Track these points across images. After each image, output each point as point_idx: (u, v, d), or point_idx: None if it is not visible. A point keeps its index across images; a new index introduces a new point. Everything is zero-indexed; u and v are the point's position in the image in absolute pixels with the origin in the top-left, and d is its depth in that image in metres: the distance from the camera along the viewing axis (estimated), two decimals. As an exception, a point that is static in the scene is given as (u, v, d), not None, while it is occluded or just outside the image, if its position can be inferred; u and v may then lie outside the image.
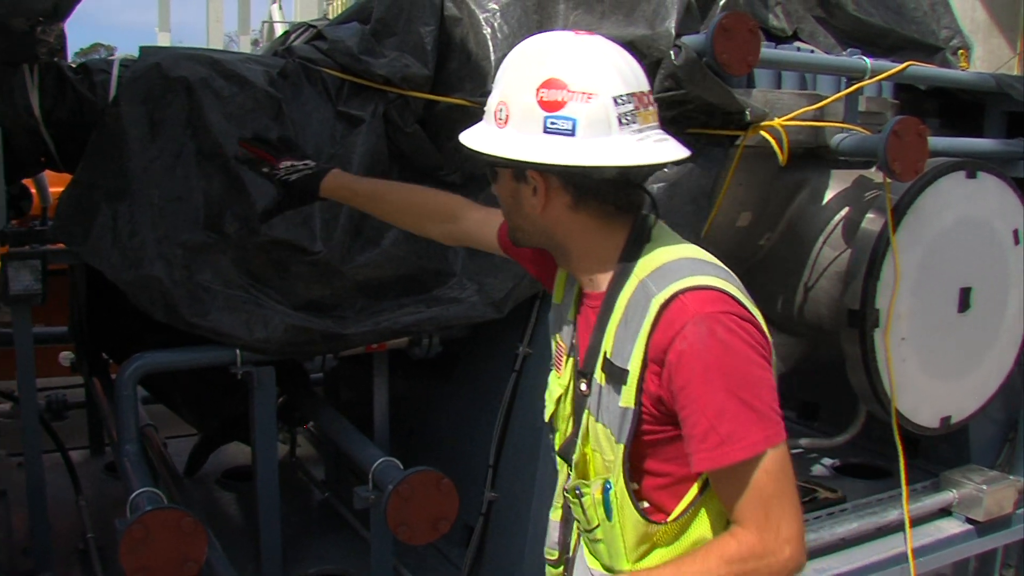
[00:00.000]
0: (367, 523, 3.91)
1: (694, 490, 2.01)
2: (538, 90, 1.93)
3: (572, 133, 1.91)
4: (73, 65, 3.54)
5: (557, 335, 2.29)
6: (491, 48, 3.61)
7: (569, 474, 2.23)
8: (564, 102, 1.91)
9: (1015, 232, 4.11)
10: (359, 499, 3.35)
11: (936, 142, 3.75)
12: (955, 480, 4.32)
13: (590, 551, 2.27)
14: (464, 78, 3.63)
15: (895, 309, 3.78)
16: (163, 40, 23.11)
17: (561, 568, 2.44)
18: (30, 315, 3.36)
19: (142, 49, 3.48)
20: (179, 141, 3.31)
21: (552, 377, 2.30)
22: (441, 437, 3.99)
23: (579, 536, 2.35)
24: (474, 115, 3.48)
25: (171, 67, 3.34)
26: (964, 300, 4.00)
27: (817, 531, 3.89)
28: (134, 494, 3.00)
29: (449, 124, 3.65)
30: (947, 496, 4.28)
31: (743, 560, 1.85)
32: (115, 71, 3.47)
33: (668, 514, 2.03)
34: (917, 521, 4.07)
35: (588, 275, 2.12)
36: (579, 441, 2.14)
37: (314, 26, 4.78)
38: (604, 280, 2.07)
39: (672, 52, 3.36)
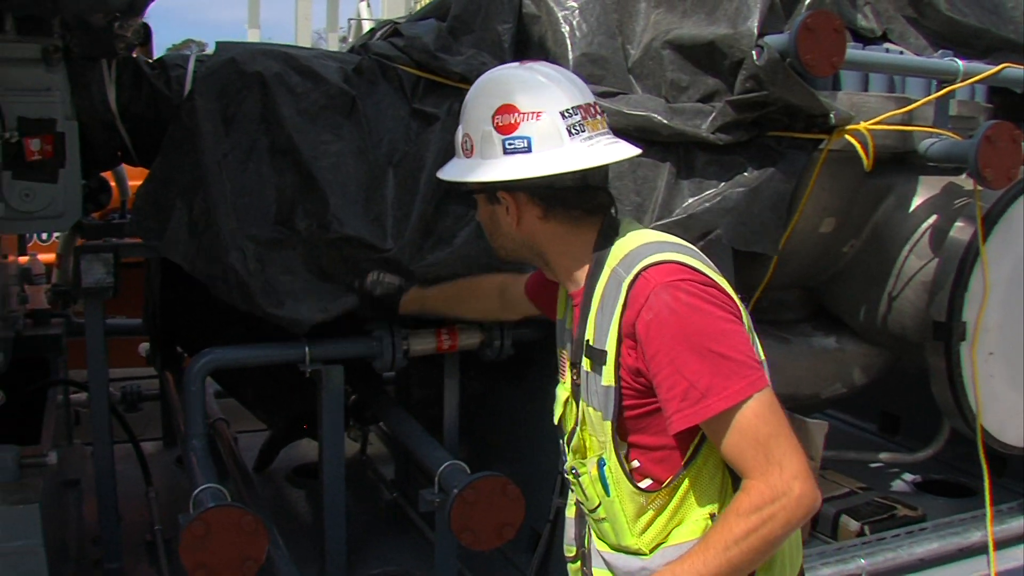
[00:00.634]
0: (434, 525, 3.89)
1: (685, 456, 2.10)
2: (493, 117, 2.15)
3: (528, 150, 2.12)
4: (150, 60, 3.55)
5: (561, 348, 2.46)
6: (569, 46, 3.55)
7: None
8: (517, 123, 2.13)
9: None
10: (424, 502, 3.31)
11: (1031, 148, 3.59)
12: (1043, 501, 4.15)
13: (598, 535, 2.37)
14: None
15: (983, 322, 3.66)
16: (253, 36, 23.39)
17: (579, 563, 2.52)
18: (101, 308, 3.38)
19: (218, 44, 3.48)
20: (252, 136, 3.30)
21: (559, 387, 2.45)
22: (511, 441, 3.93)
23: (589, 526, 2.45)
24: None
25: (246, 62, 3.33)
26: (1057, 314, 3.83)
27: (895, 550, 3.77)
28: (197, 490, 3.00)
29: None
30: (1034, 518, 4.10)
31: (758, 509, 1.90)
32: (191, 66, 3.48)
33: (657, 480, 2.14)
34: (1001, 544, 3.90)
35: (568, 275, 2.28)
36: (578, 428, 2.30)
37: (396, 23, 4.79)
38: (582, 277, 2.21)
39: (754, 52, 3.27)
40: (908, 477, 4.65)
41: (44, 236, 5.51)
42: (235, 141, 3.29)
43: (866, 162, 3.51)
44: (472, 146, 2.21)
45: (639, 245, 2.11)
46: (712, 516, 2.11)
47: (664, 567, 2.05)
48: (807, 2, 3.53)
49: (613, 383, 2.09)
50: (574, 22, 3.60)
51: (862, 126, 3.55)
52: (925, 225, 3.87)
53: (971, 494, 4.39)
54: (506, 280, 3.07)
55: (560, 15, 3.61)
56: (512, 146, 2.13)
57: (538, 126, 2.12)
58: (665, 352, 1.95)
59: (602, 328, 2.10)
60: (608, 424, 2.13)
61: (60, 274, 4.82)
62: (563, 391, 2.41)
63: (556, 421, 2.46)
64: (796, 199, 3.60)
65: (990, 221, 3.62)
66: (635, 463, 2.17)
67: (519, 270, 2.99)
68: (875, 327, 4.06)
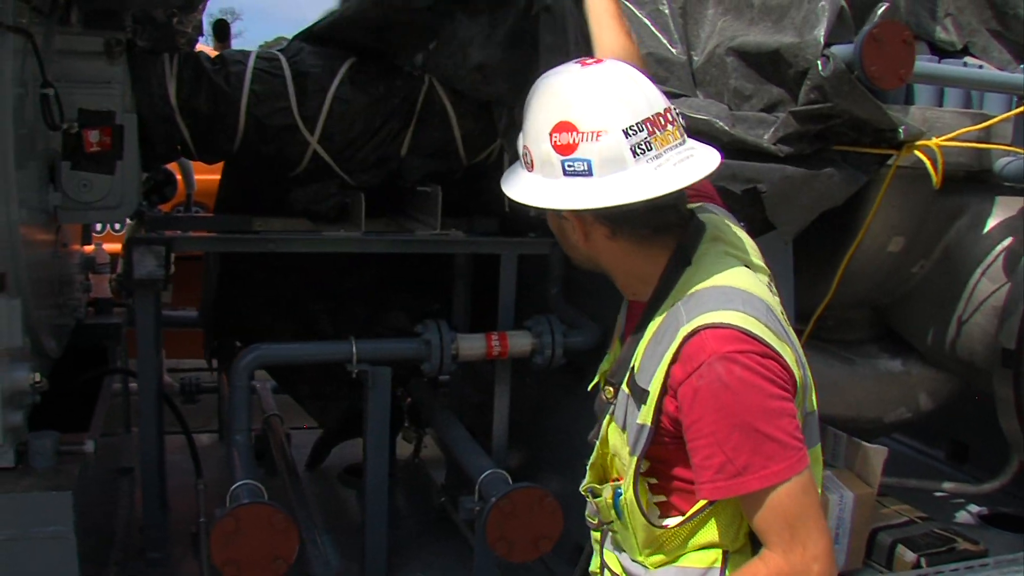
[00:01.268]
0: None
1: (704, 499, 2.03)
2: (551, 135, 1.96)
3: (589, 173, 1.93)
4: (212, 56, 3.58)
5: (616, 337, 2.37)
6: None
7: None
8: (576, 144, 1.94)
9: None
10: (464, 509, 3.29)
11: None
12: (1115, 541, 3.97)
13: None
14: None
15: (1055, 351, 3.50)
16: (346, 36, 23.66)
17: (599, 533, 2.44)
18: (152, 299, 3.40)
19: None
20: None
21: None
22: (563, 451, 3.86)
23: None
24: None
25: None
26: None
27: (953, 584, 3.63)
28: (235, 485, 3.00)
29: None
30: (1105, 559, 3.91)
31: None
32: (250, 62, 3.49)
33: (684, 515, 2.07)
34: (1068, 583, 3.74)
35: (632, 291, 2.16)
36: (598, 443, 2.21)
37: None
38: (647, 294, 2.08)
39: (819, 62, 3.17)
40: (973, 509, 4.47)
41: (116, 226, 5.59)
42: None
43: (935, 179, 3.39)
44: (532, 161, 2.03)
45: (707, 287, 1.96)
46: (725, 554, 2.06)
47: None
48: (880, 12, 3.41)
49: (649, 423, 1.99)
50: (642, 23, 3.53)
51: (933, 142, 3.42)
52: (999, 248, 3.74)
53: (1041, 530, 4.23)
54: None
55: (627, 14, 3.55)
56: (572, 168, 1.94)
57: (599, 148, 1.92)
58: (708, 422, 1.88)
59: (649, 365, 1.99)
60: (633, 459, 2.05)
61: (124, 264, 4.88)
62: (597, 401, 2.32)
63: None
64: (861, 216, 3.49)
65: (1068, 246, 3.47)
66: (660, 497, 2.10)
67: None
68: (943, 351, 3.93)
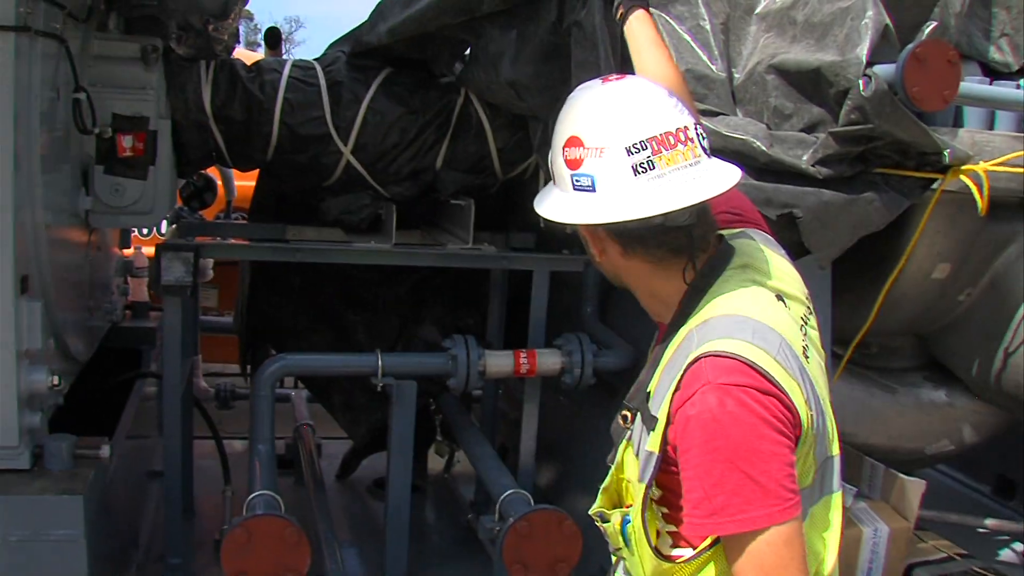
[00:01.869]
0: (499, 552, 3.80)
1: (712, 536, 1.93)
2: (564, 149, 1.98)
3: (592, 189, 1.93)
4: (248, 65, 3.58)
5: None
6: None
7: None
8: (582, 159, 1.94)
9: None
10: (483, 529, 3.25)
11: None
12: None
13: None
14: None
15: (1105, 388, 3.37)
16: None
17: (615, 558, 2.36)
18: (180, 305, 3.40)
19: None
20: None
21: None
22: (592, 472, 3.80)
23: None
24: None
25: None
26: None
27: (990, 625, 3.50)
28: (252, 495, 2.98)
29: None
30: None
31: None
32: (286, 71, 3.49)
33: (695, 548, 1.96)
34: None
35: (655, 314, 2.11)
36: (613, 468, 2.14)
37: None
38: (669, 317, 2.03)
39: (860, 82, 3.08)
40: (1018, 548, 4.32)
41: (144, 231, 5.63)
42: None
43: (980, 205, 3.27)
44: (553, 175, 2.05)
45: (721, 314, 1.91)
46: None
47: None
48: (927, 31, 3.31)
49: (657, 451, 1.92)
50: (682, 39, 3.46)
51: (980, 166, 3.31)
52: (1050, 278, 3.60)
53: (1089, 573, 4.07)
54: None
55: (666, 32, 3.48)
56: (579, 183, 1.95)
57: (601, 164, 1.92)
58: (695, 453, 1.81)
59: (661, 391, 1.93)
60: (642, 487, 1.97)
61: (153, 269, 4.90)
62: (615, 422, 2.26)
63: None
64: (905, 241, 3.38)
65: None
66: (671, 527, 2.02)
67: None
68: (989, 383, 3.79)
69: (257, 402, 3.32)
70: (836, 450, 1.99)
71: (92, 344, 3.66)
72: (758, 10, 3.52)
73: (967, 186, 3.29)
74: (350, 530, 4.03)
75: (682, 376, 1.85)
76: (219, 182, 4.58)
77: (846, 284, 3.37)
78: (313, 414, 4.70)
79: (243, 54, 4.60)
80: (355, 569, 3.57)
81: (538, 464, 3.88)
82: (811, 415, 1.88)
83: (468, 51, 3.60)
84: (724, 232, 2.09)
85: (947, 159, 3.26)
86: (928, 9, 3.32)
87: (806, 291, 2.09)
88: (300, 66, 3.57)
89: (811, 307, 2.07)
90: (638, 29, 2.65)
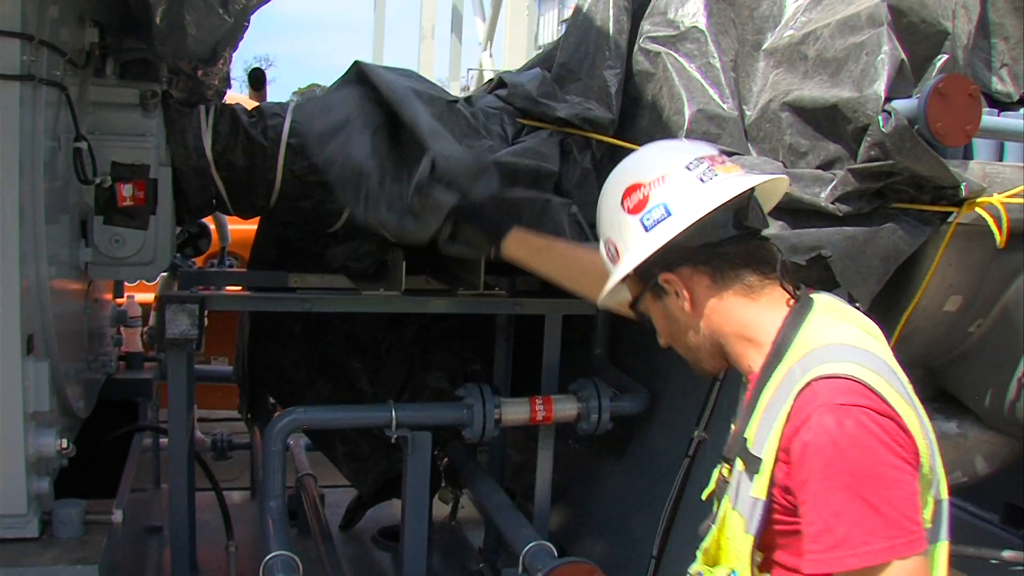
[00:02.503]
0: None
1: None
2: (623, 204, 2.06)
3: (668, 213, 1.99)
4: (248, 109, 3.49)
5: (733, 420, 2.23)
6: (686, 102, 3.37)
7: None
8: (646, 196, 2.02)
9: None
10: (505, 583, 3.15)
11: None
12: None
13: None
14: (655, 135, 3.41)
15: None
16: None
17: None
18: (184, 358, 3.30)
19: None
20: None
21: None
22: (607, 517, 3.73)
23: None
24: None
25: None
26: None
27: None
28: (269, 556, 2.88)
29: None
30: None
31: None
32: (288, 115, 3.40)
33: None
34: None
35: (747, 361, 2.05)
36: (715, 527, 2.08)
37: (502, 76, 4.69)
38: (760, 363, 2.00)
39: (880, 118, 3.05)
40: (1033, 578, 4.29)
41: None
42: None
43: (998, 238, 3.25)
44: (616, 249, 2.10)
45: (822, 345, 1.87)
46: None
47: None
48: (938, 65, 3.29)
49: (763, 496, 1.87)
50: (692, 77, 3.42)
51: (995, 199, 3.29)
52: (1061, 308, 3.58)
53: (1105, 603, 4.04)
54: None
55: (675, 71, 3.44)
56: (651, 219, 2.01)
57: (668, 188, 2.01)
58: (814, 483, 1.74)
59: (763, 433, 1.89)
60: (749, 538, 1.91)
61: (157, 321, 4.79)
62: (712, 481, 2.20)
63: (704, 498, 2.25)
64: (919, 274, 3.35)
65: None
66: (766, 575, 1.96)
67: None
68: (1001, 414, 3.77)
69: (268, 457, 3.22)
70: (945, 493, 1.92)
71: (92, 399, 3.54)
72: (765, 46, 3.50)
73: (980, 218, 3.28)
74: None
75: (791, 406, 1.81)
76: (212, 227, 4.47)
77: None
78: (311, 461, 4.60)
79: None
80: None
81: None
82: (927, 446, 1.82)
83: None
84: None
85: (963, 192, 3.25)
86: (939, 43, 3.31)
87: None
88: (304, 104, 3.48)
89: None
90: (524, 241, 2.83)
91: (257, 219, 4.00)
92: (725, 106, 3.41)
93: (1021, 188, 3.33)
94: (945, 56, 3.30)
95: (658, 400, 3.50)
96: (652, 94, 3.51)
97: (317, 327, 3.80)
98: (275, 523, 3.16)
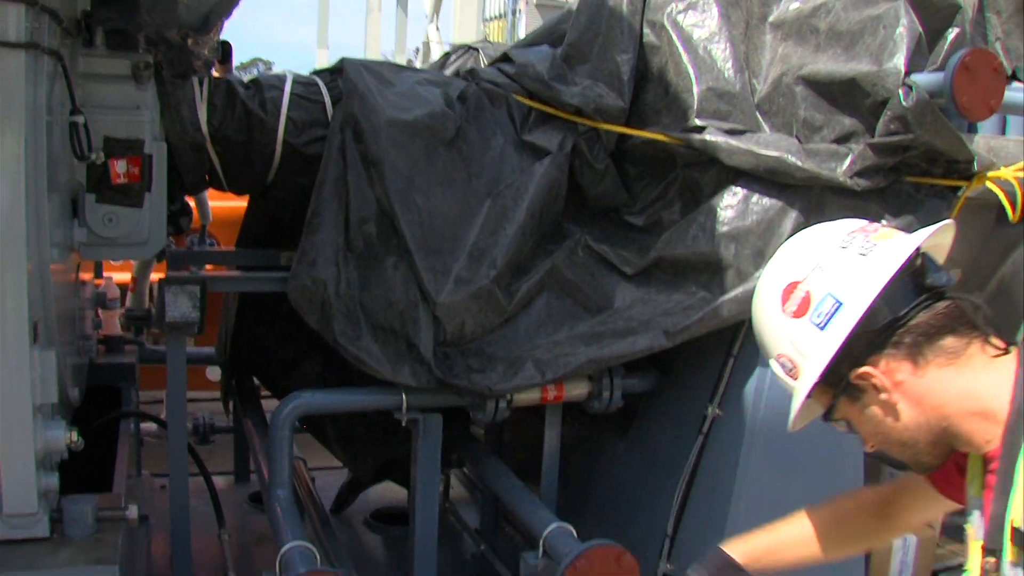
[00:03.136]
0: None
1: None
2: (784, 311, 1.86)
3: (840, 303, 1.78)
4: (244, 81, 3.34)
5: (967, 522, 1.92)
6: (694, 79, 3.30)
7: None
8: (808, 292, 1.83)
9: None
10: (527, 566, 3.08)
11: None
12: None
13: None
14: (661, 111, 3.34)
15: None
16: (321, 57, 23.33)
17: None
18: (184, 342, 3.16)
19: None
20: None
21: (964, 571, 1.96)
22: (611, 498, 3.67)
23: None
24: (671, 150, 3.19)
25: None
26: None
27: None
28: (285, 547, 2.77)
29: (642, 160, 3.37)
30: None
31: None
32: (287, 87, 3.26)
33: None
34: None
35: (982, 437, 1.77)
36: None
37: (475, 48, 4.57)
38: (998, 433, 1.73)
39: (901, 92, 3.01)
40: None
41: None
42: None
43: (1010, 213, 3.26)
44: (793, 362, 1.86)
45: None
46: None
47: None
48: (950, 39, 3.26)
49: None
50: (699, 53, 3.34)
51: (1004, 172, 3.29)
52: (1059, 280, 3.61)
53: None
54: (884, 490, 2.34)
55: (682, 45, 3.36)
56: (821, 315, 1.79)
57: (828, 275, 1.81)
58: None
59: None
60: None
61: (134, 298, 4.63)
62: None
63: None
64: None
65: None
66: None
67: None
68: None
69: (275, 443, 3.10)
70: None
71: (83, 386, 3.38)
72: (771, 19, 3.44)
73: (983, 192, 3.28)
74: (357, 566, 3.81)
75: None
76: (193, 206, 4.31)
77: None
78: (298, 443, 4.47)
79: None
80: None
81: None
82: None
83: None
84: None
85: (976, 166, 3.24)
86: (951, 17, 3.28)
87: None
88: (302, 82, 3.33)
89: None
90: (749, 552, 2.34)
91: (237, 196, 3.86)
92: (735, 82, 3.34)
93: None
94: (956, 30, 3.28)
95: (667, 377, 3.44)
96: (658, 68, 3.43)
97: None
98: (284, 512, 3.05)
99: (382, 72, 3.36)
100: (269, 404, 4.05)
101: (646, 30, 3.42)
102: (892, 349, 1.76)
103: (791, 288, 1.85)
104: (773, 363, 1.93)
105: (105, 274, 4.41)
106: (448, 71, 4.42)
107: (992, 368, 1.73)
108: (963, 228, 3.36)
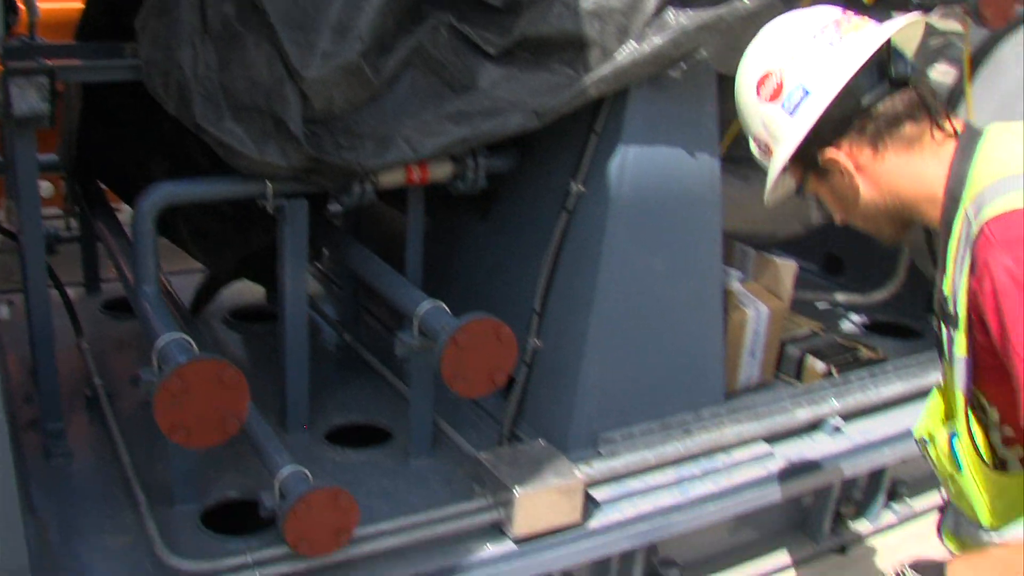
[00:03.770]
0: (397, 371, 3.69)
1: None
2: (758, 95, 2.03)
3: (807, 92, 1.95)
4: None
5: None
6: None
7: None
8: (780, 81, 1.99)
9: None
10: (402, 346, 3.11)
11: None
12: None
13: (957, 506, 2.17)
14: None
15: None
16: None
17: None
18: (34, 141, 2.97)
19: None
20: None
21: None
22: (475, 280, 3.70)
23: None
24: None
25: None
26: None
27: (863, 391, 3.75)
28: (161, 341, 2.71)
29: None
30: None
31: None
32: None
33: None
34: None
35: (929, 216, 1.99)
36: (938, 386, 2.14)
37: None
38: (939, 215, 1.95)
39: None
40: (855, 319, 4.63)
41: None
42: None
43: None
44: (764, 141, 2.08)
45: (992, 182, 1.80)
46: None
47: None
48: None
49: (965, 355, 1.87)
50: None
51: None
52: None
53: (919, 336, 4.41)
54: None
55: None
56: (791, 102, 1.98)
57: (798, 65, 1.97)
58: (1010, 329, 1.68)
59: (957, 286, 1.85)
60: (959, 396, 1.92)
61: (2, 101, 4.29)
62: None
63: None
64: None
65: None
66: (1007, 429, 1.97)
67: None
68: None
69: (139, 239, 2.98)
70: None
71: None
72: None
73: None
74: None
75: (972, 259, 1.77)
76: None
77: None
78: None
79: None
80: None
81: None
82: None
83: None
84: None
85: None
86: None
87: None
88: None
89: None
90: None
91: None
92: None
93: None
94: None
95: (529, 156, 3.44)
96: None
97: (152, 102, 3.52)
98: (154, 308, 2.97)
99: None
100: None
101: None
102: (856, 134, 1.96)
103: (765, 77, 2.02)
104: (750, 143, 2.16)
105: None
106: None
107: (938, 154, 1.94)
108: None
